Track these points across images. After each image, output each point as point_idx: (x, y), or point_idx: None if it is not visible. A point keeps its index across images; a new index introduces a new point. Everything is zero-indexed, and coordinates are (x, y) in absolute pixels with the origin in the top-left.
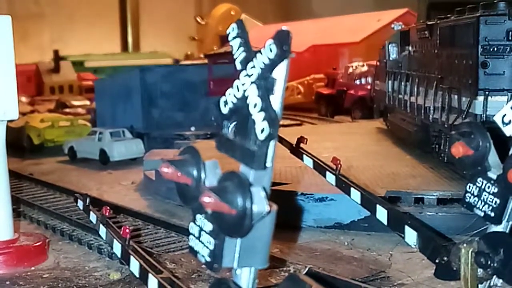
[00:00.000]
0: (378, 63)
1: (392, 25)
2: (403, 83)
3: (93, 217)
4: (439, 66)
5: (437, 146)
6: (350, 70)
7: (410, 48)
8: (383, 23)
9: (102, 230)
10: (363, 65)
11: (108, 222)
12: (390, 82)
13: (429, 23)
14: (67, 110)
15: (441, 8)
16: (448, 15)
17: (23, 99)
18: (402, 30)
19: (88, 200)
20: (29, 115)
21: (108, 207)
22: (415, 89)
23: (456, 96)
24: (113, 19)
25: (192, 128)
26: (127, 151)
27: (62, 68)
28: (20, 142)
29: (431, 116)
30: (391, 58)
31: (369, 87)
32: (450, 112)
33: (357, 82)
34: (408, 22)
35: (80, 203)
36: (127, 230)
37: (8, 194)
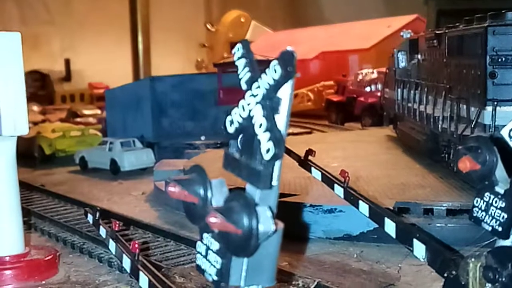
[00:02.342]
0: (387, 71)
1: (401, 33)
2: (412, 92)
3: (102, 231)
4: (448, 75)
5: (446, 155)
6: (360, 77)
7: (419, 56)
8: (393, 30)
9: (112, 245)
10: (372, 72)
11: (117, 237)
12: (399, 90)
13: (437, 32)
14: (78, 119)
15: (450, 15)
16: (457, 24)
17: (35, 108)
18: (411, 38)
19: (97, 214)
20: (40, 125)
21: (117, 222)
22: (424, 98)
23: (464, 106)
24: (124, 27)
25: (202, 138)
26: (138, 161)
27: (73, 76)
28: (31, 152)
29: (440, 125)
30: (400, 66)
31: (379, 94)
32: (459, 122)
33: (367, 89)
34: (418, 28)
35: (90, 217)
36: (136, 245)
37: (19, 210)
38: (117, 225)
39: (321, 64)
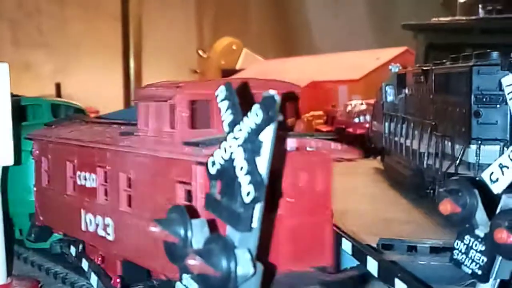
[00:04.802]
0: (375, 104)
1: (390, 66)
2: (399, 126)
3: (85, 264)
4: (434, 112)
5: (431, 191)
6: (349, 108)
7: (406, 91)
8: (382, 62)
9: (93, 279)
10: (362, 103)
11: (99, 271)
12: (387, 124)
13: (424, 68)
14: None
15: (439, 49)
16: (444, 61)
17: None
18: (399, 72)
19: (81, 246)
20: None
21: (100, 254)
22: (411, 133)
23: (449, 143)
24: (116, 52)
25: None
26: None
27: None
28: None
29: (425, 161)
30: (388, 100)
31: (367, 125)
32: (443, 158)
33: (356, 120)
34: (407, 61)
35: (73, 250)
36: (118, 280)
37: (2, 241)
38: (99, 258)
39: (311, 94)
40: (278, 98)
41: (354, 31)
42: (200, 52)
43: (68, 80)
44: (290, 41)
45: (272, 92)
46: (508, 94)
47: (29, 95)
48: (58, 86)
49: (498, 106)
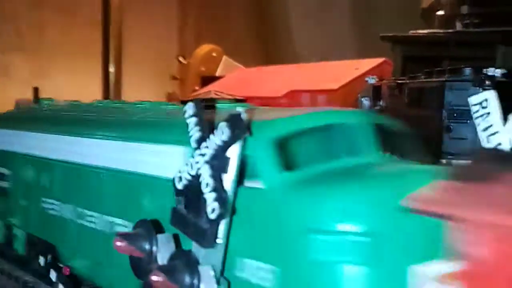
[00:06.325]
0: None
1: (366, 78)
2: None
3: (53, 275)
4: (407, 125)
5: None
6: None
7: (381, 104)
8: (360, 72)
9: None
10: None
11: (67, 282)
12: None
13: (398, 81)
14: None
15: (416, 61)
16: (418, 74)
17: None
18: (374, 84)
19: (49, 257)
20: None
21: (68, 267)
22: None
23: None
24: (95, 55)
25: None
26: None
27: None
28: None
29: None
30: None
31: None
32: None
33: None
34: (385, 72)
35: (41, 260)
36: None
37: None
38: (67, 270)
39: (290, 103)
40: (244, 115)
41: (337, 40)
42: (180, 59)
43: (46, 84)
44: (272, 50)
45: (239, 110)
46: (474, 113)
47: (7, 100)
48: (36, 90)
49: (468, 121)
